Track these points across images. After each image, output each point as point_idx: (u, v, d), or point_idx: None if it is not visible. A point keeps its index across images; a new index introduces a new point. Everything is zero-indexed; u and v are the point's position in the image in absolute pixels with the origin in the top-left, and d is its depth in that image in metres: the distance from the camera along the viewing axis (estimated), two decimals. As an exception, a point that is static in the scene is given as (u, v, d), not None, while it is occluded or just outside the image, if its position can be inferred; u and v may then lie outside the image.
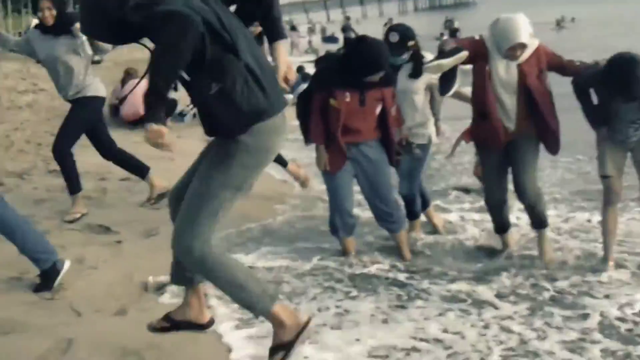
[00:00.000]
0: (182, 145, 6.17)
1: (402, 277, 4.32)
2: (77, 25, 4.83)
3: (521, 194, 4.29)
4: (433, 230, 5.08)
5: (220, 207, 2.71)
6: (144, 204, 5.62)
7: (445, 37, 28.83)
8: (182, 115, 9.40)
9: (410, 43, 4.55)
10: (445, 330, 3.58)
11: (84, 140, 5.49)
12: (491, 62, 4.12)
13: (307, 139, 4.60)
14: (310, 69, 16.08)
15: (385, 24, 24.91)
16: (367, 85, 4.28)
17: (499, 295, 3.98)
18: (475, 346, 3.41)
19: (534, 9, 18.57)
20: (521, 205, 4.47)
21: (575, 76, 4.15)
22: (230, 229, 4.96)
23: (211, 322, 3.12)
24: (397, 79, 4.54)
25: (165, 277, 3.66)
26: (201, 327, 3.08)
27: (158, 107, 2.53)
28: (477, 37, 4.25)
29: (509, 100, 4.15)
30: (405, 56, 4.56)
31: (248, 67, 2.62)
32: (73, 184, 5.32)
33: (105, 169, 6.29)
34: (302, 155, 6.85)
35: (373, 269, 4.44)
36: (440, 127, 4.90)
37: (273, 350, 2.85)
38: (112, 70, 13.43)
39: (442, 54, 4.06)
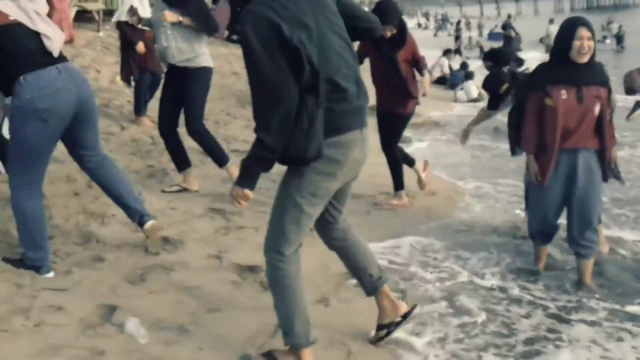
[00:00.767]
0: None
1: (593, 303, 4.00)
2: None
3: None
4: None
5: (299, 214, 2.79)
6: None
7: (608, 41, 27.34)
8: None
9: None
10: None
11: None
12: None
13: (514, 150, 4.40)
14: (475, 67, 15.85)
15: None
16: (584, 80, 3.98)
17: None
18: None
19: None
20: None
21: None
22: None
23: (411, 308, 3.31)
24: None
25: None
26: (405, 317, 3.28)
27: (254, 174, 2.69)
28: None
29: None
30: None
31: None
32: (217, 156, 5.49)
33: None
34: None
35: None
36: None
37: None
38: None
39: None
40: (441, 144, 9.21)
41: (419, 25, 54.18)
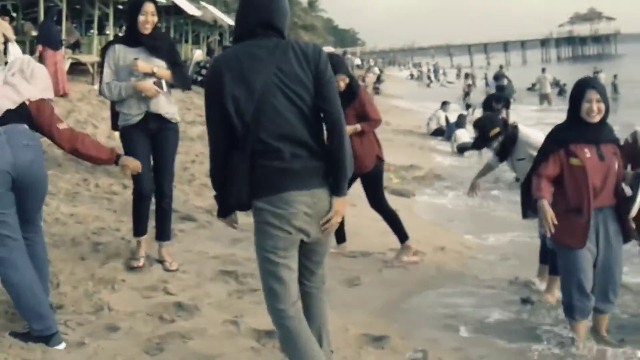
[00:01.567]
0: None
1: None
2: None
3: None
4: None
5: (273, 268, 2.89)
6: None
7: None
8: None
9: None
10: None
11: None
12: None
13: (526, 212, 4.30)
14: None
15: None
16: (601, 138, 3.96)
17: None
18: None
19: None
20: None
21: None
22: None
23: None
24: None
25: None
26: None
27: (220, 207, 3.08)
28: None
29: None
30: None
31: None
32: None
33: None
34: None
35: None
36: None
37: None
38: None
39: None
40: (444, 196, 9.22)
41: (412, 76, 54.80)
